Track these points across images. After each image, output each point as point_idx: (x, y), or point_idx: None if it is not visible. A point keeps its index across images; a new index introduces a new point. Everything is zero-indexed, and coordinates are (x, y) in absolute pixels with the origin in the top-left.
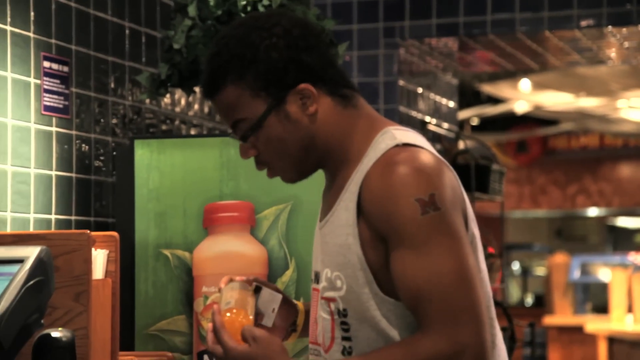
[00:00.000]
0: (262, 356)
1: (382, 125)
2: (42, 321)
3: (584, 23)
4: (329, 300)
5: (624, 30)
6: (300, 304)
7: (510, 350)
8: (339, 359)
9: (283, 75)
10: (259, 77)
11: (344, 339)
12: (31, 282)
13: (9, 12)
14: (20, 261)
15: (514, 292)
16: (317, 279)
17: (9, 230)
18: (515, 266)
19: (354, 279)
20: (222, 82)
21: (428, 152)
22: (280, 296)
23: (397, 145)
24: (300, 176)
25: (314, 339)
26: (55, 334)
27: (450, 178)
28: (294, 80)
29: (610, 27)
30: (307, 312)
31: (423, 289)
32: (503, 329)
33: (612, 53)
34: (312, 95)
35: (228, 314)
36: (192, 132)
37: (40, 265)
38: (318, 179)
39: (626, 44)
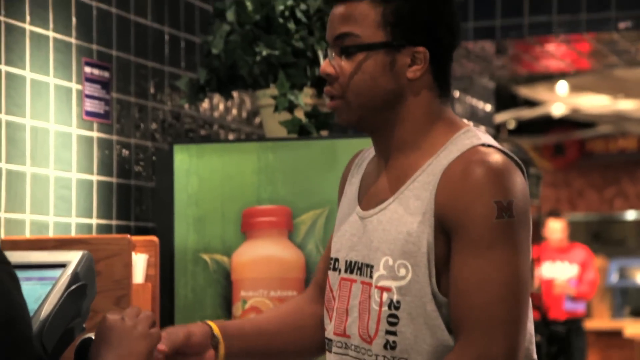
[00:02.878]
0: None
1: (464, 125)
2: (84, 325)
3: (622, 25)
4: (383, 289)
5: None
6: (210, 324)
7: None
8: (380, 353)
9: (417, 29)
10: (397, 14)
11: (388, 332)
12: (73, 287)
13: (51, 18)
14: (62, 266)
15: None
16: (350, 269)
17: (51, 234)
18: None
19: (421, 269)
20: None
21: (511, 159)
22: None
23: (483, 145)
24: (358, 122)
25: (340, 331)
26: None
27: (526, 187)
28: (420, 40)
29: None
30: (221, 328)
31: (471, 292)
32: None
33: None
34: (423, 64)
35: None
36: (230, 136)
37: (82, 270)
38: None
39: None
